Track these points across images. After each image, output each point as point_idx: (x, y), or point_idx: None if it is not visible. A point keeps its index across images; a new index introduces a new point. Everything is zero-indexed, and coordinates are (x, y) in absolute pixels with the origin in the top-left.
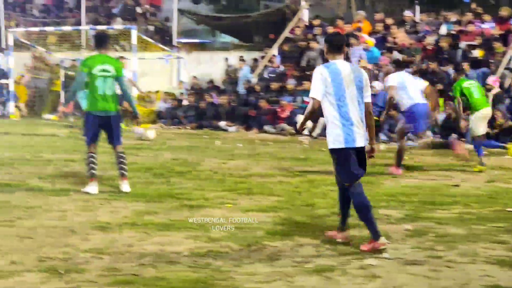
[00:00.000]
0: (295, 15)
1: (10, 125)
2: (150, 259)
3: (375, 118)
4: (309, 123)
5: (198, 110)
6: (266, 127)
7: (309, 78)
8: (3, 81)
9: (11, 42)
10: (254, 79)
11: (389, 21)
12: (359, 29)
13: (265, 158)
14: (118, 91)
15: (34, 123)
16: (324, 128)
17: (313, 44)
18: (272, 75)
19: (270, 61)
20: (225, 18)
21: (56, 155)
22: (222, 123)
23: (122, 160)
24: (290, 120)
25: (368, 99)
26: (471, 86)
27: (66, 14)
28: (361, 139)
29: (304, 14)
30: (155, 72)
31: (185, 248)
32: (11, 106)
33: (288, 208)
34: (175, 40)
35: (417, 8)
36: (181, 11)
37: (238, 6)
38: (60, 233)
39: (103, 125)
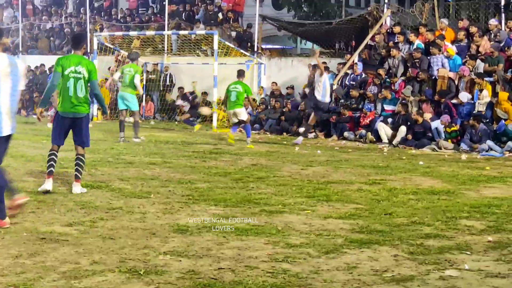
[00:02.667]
0: (377, 22)
1: (93, 128)
2: (228, 263)
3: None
4: (389, 131)
5: (277, 116)
6: (346, 134)
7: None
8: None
9: (95, 46)
10: (334, 86)
11: (473, 29)
12: (442, 37)
13: (344, 165)
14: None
15: (116, 126)
16: (404, 136)
17: (394, 52)
18: (353, 82)
19: (351, 68)
20: (307, 25)
21: (137, 158)
22: (302, 129)
23: (79, 162)
24: (371, 128)
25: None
26: None
27: (150, 19)
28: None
29: (386, 21)
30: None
31: (263, 253)
32: (94, 109)
33: (367, 216)
34: (257, 46)
35: (503, 16)
36: (263, 17)
37: (320, 13)
38: (140, 234)
39: (71, 125)
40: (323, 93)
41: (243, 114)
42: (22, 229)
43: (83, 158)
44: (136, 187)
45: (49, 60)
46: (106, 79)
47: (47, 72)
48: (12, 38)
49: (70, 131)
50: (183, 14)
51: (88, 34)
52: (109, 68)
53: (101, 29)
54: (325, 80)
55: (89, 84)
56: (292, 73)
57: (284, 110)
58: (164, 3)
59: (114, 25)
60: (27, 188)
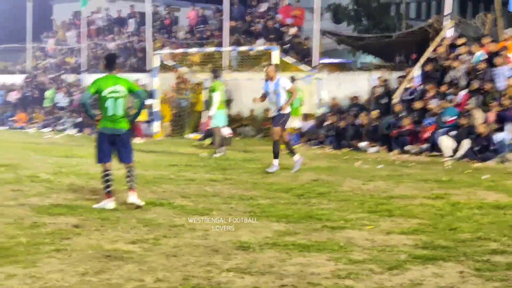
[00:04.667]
0: (438, 34)
1: (155, 144)
2: (291, 280)
3: None
4: (452, 144)
5: (338, 131)
6: (408, 148)
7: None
8: (149, 101)
9: (156, 63)
10: (395, 100)
11: None
12: (505, 48)
13: (406, 179)
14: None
15: (177, 142)
16: (467, 149)
17: (456, 64)
18: (413, 96)
19: (411, 81)
20: (367, 38)
21: (198, 175)
22: (363, 144)
23: (131, 172)
24: (432, 141)
25: None
26: None
27: (210, 36)
28: None
29: (448, 33)
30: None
31: (326, 269)
32: (155, 125)
33: (431, 232)
34: (316, 60)
35: None
36: (322, 32)
37: (379, 26)
38: (203, 252)
39: (113, 142)
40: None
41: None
42: (88, 247)
43: (133, 168)
44: (197, 204)
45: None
46: (167, 96)
47: None
48: (75, 58)
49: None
50: (243, 30)
51: (150, 52)
52: (169, 85)
53: (162, 47)
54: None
55: (127, 99)
56: (352, 87)
57: (340, 125)
58: (223, 19)
59: (174, 43)
60: (90, 205)
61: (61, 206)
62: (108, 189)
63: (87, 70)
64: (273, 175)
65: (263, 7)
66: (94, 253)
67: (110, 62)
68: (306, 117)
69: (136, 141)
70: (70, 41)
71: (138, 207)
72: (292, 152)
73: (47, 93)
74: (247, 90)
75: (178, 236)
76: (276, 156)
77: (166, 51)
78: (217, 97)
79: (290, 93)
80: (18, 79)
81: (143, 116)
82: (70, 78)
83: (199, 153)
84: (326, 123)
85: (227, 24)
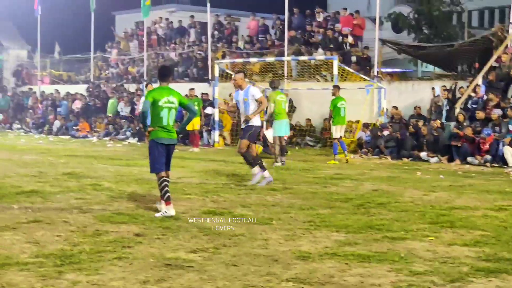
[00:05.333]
0: (502, 42)
1: (215, 153)
2: None
3: None
4: None
5: (398, 141)
6: (469, 159)
7: None
8: (209, 110)
9: (217, 73)
10: (457, 110)
11: None
12: None
13: (468, 190)
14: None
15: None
16: None
17: None
18: (475, 105)
19: (474, 90)
20: (428, 47)
21: (259, 184)
22: (424, 154)
23: (166, 183)
24: (493, 152)
25: None
26: None
27: (270, 45)
28: None
29: None
30: (356, 102)
31: (386, 281)
32: (216, 135)
33: (494, 243)
34: (376, 70)
35: None
36: (382, 41)
37: (441, 35)
38: (263, 261)
39: (166, 151)
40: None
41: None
42: (149, 255)
43: (168, 178)
44: (258, 213)
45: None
46: (227, 105)
47: None
48: (137, 67)
49: None
50: (303, 39)
51: (210, 62)
52: (230, 95)
53: (223, 57)
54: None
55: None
56: (413, 97)
57: (400, 135)
58: (283, 29)
59: (234, 52)
60: (151, 214)
61: (123, 215)
62: (167, 195)
63: (148, 79)
64: (332, 185)
65: (323, 17)
66: (155, 262)
67: (163, 74)
68: (366, 126)
69: (193, 150)
70: (132, 51)
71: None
72: (251, 164)
73: (110, 103)
74: (307, 99)
75: (238, 245)
76: (252, 165)
77: (227, 60)
78: (272, 108)
79: (259, 102)
80: (81, 89)
81: (196, 126)
82: (132, 87)
83: None
84: (386, 133)
85: (287, 34)
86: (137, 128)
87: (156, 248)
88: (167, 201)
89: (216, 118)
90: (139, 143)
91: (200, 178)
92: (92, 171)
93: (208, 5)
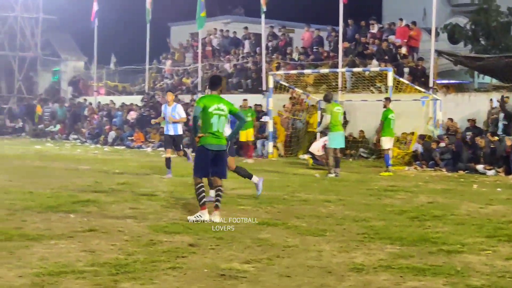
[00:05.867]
0: None
1: (268, 165)
2: None
3: None
4: None
5: (454, 153)
6: None
7: None
8: (266, 118)
9: (271, 84)
10: None
11: None
12: None
13: None
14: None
15: (291, 162)
16: None
17: None
18: None
19: None
20: (485, 59)
21: (312, 195)
22: (480, 166)
23: (219, 193)
24: None
25: None
26: None
27: (324, 57)
28: None
29: None
30: (411, 114)
31: None
32: (270, 146)
33: None
34: (432, 81)
35: None
36: (438, 52)
37: (498, 46)
38: (316, 273)
39: (213, 157)
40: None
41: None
42: (203, 265)
43: (222, 189)
44: (311, 224)
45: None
46: (281, 116)
47: None
48: (191, 78)
49: None
50: (357, 51)
51: (264, 73)
52: (283, 106)
53: (277, 68)
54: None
55: (229, 118)
56: (470, 108)
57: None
58: (338, 40)
59: (288, 64)
60: (205, 224)
61: (177, 225)
62: (203, 201)
63: (202, 90)
64: (387, 197)
65: (378, 28)
66: (209, 272)
67: (214, 83)
68: (422, 138)
69: (248, 161)
70: (187, 61)
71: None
72: (248, 176)
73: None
74: (361, 111)
75: (292, 256)
76: (249, 176)
77: (281, 72)
78: (327, 120)
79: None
80: (136, 99)
81: (250, 137)
82: (187, 98)
83: (313, 174)
84: (441, 145)
85: (341, 45)
86: (192, 138)
87: (210, 258)
88: (203, 206)
89: (270, 129)
90: (193, 154)
91: (254, 189)
92: (146, 181)
93: (263, 16)
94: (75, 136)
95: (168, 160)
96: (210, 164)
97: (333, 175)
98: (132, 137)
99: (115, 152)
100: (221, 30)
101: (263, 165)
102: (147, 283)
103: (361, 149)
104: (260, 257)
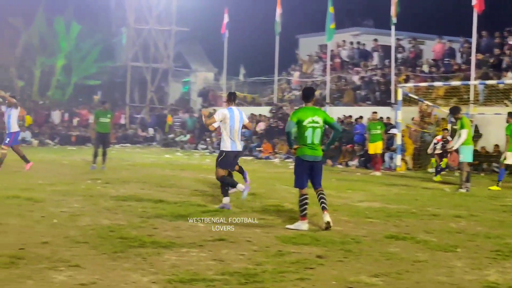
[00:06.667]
0: None
1: (396, 178)
2: None
3: None
4: None
5: None
6: None
7: None
8: (394, 131)
9: (400, 97)
10: None
11: None
12: None
13: None
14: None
15: (420, 176)
16: None
17: None
18: None
19: None
20: None
21: (442, 210)
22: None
23: (323, 195)
24: None
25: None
26: None
27: (456, 69)
28: None
29: None
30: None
31: None
32: (398, 159)
33: None
34: None
35: None
36: None
37: None
38: None
39: (310, 169)
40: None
41: None
42: (331, 277)
43: (323, 191)
44: (441, 239)
45: (355, 112)
46: (409, 129)
47: (353, 123)
48: (320, 90)
49: None
50: (491, 63)
51: (393, 86)
52: (412, 119)
53: (406, 80)
54: None
55: (325, 128)
56: None
57: None
58: (471, 52)
59: (418, 76)
60: (333, 236)
61: (305, 236)
62: (304, 212)
63: (331, 102)
64: None
65: None
66: (337, 284)
67: (307, 95)
68: None
69: (375, 173)
70: (315, 73)
71: (329, 226)
72: (233, 185)
73: None
74: (495, 125)
75: (421, 271)
76: (233, 185)
77: (410, 84)
78: (465, 135)
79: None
80: (265, 110)
81: (378, 149)
82: None
83: (443, 187)
84: None
85: (474, 57)
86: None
87: (338, 270)
88: (303, 217)
89: (399, 142)
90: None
91: (381, 202)
92: (274, 192)
93: (393, 28)
94: (204, 146)
95: None
96: (307, 174)
97: (463, 190)
98: (260, 148)
99: (243, 163)
100: (351, 42)
101: (390, 178)
102: None
103: (494, 164)
104: (388, 271)
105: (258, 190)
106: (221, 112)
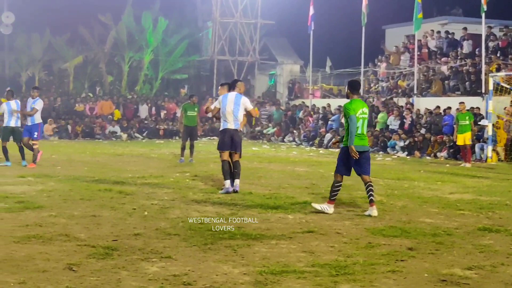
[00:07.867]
0: None
1: (487, 169)
2: None
3: None
4: None
5: None
6: None
7: None
8: (484, 122)
9: (491, 86)
10: None
11: None
12: None
13: None
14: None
15: None
16: None
17: None
18: None
19: None
20: None
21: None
22: None
23: (371, 188)
24: None
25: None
26: None
27: None
28: None
29: None
30: None
31: None
32: (489, 150)
33: None
34: None
35: None
36: None
37: None
38: None
39: (358, 158)
40: None
41: None
42: (423, 270)
43: (372, 183)
44: None
45: (443, 102)
46: (503, 120)
47: (442, 114)
48: (407, 81)
49: None
50: None
51: (484, 75)
52: (504, 108)
53: (497, 69)
54: None
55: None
56: None
57: None
58: None
59: (510, 65)
60: (424, 228)
61: (394, 228)
62: (334, 197)
63: (419, 93)
64: None
65: None
66: (429, 277)
67: (355, 87)
68: None
69: (465, 165)
70: (402, 64)
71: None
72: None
73: (379, 116)
74: None
75: None
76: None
77: (502, 73)
78: None
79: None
80: None
81: (468, 140)
82: (402, 101)
83: None
84: None
85: None
86: (408, 142)
87: (430, 263)
88: (332, 201)
89: (490, 132)
90: (408, 157)
91: (473, 194)
92: (361, 183)
93: (483, 16)
94: (290, 138)
95: None
96: (355, 163)
97: None
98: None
99: (330, 155)
100: (438, 32)
101: (481, 170)
102: (367, 286)
103: None
104: (482, 264)
105: (345, 182)
106: (218, 99)
